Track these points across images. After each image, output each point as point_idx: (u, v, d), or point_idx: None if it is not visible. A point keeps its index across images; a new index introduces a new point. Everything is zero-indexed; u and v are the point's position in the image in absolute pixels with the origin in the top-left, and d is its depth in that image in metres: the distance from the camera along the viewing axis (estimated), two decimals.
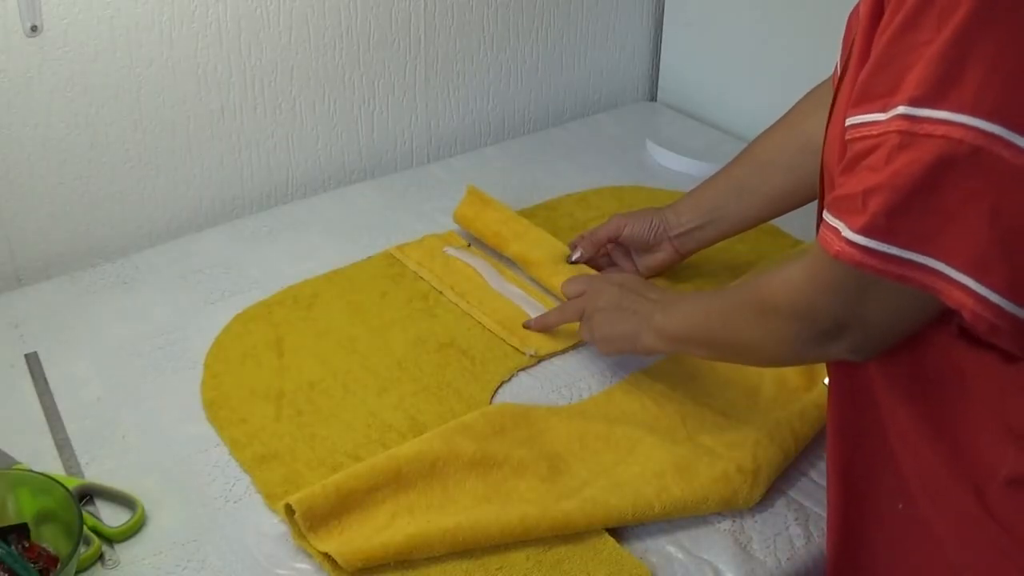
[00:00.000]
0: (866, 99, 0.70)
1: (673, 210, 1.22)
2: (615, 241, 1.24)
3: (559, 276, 1.21)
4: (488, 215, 1.31)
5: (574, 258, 1.24)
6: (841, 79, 0.81)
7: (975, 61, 0.63)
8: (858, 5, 0.84)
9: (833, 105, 0.81)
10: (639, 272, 1.25)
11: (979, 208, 0.65)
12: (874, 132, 0.68)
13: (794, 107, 1.13)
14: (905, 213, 0.67)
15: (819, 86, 1.11)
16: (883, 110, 0.68)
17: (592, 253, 1.24)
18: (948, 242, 0.66)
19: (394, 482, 0.92)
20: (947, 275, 0.67)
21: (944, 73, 0.64)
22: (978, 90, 0.63)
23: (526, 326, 1.15)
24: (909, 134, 0.66)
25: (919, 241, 0.67)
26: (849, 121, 0.71)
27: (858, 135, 0.70)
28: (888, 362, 0.79)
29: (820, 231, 0.73)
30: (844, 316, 0.76)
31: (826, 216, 0.73)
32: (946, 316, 0.73)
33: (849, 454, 0.86)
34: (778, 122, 1.14)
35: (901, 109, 0.66)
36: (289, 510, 0.88)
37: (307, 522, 0.87)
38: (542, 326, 1.15)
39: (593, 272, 1.23)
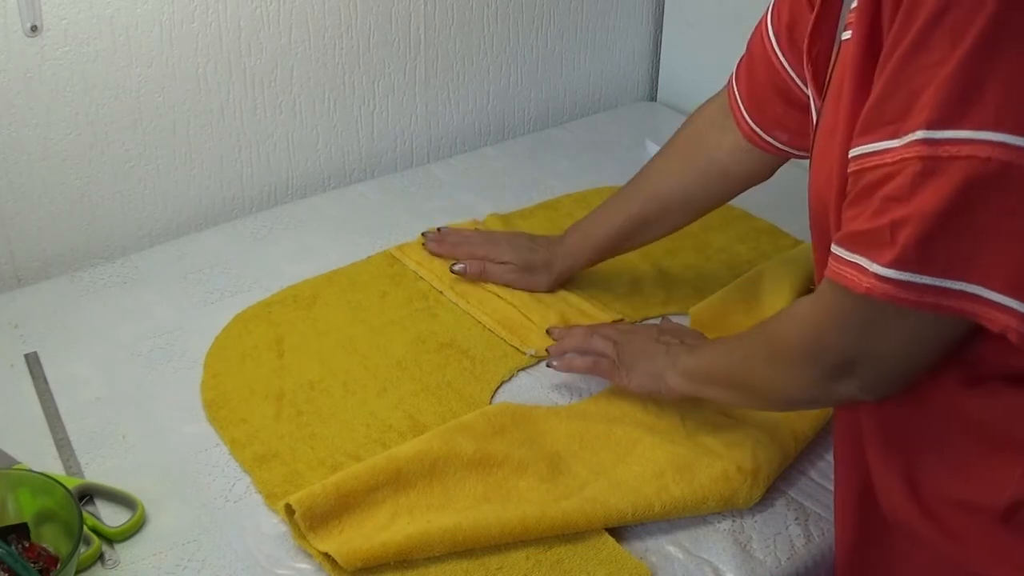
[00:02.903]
0: (873, 127, 0.67)
1: (565, 251, 1.21)
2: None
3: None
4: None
5: (457, 268, 1.23)
6: (819, 114, 0.79)
7: (995, 76, 0.61)
8: (814, 43, 0.83)
9: (815, 142, 0.80)
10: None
11: (1014, 225, 0.63)
12: (887, 160, 0.66)
13: (687, 131, 1.13)
14: (937, 241, 0.64)
15: (707, 105, 1.11)
16: (894, 136, 0.65)
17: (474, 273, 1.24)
18: (983, 264, 0.64)
19: (394, 482, 0.92)
20: (986, 298, 0.65)
21: (963, 91, 0.62)
22: (1001, 105, 0.61)
23: (549, 365, 1.08)
24: (932, 159, 0.63)
25: (954, 268, 0.65)
26: (856, 151, 0.69)
27: (868, 164, 0.67)
28: (888, 410, 0.78)
29: (833, 268, 0.71)
30: (853, 352, 0.74)
31: (840, 252, 0.70)
32: (951, 365, 0.73)
33: (855, 485, 0.86)
34: (672, 149, 1.14)
35: (920, 134, 0.63)
36: (289, 510, 0.88)
37: (307, 522, 0.87)
38: (568, 368, 1.07)
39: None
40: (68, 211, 1.29)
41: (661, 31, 1.78)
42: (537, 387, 1.10)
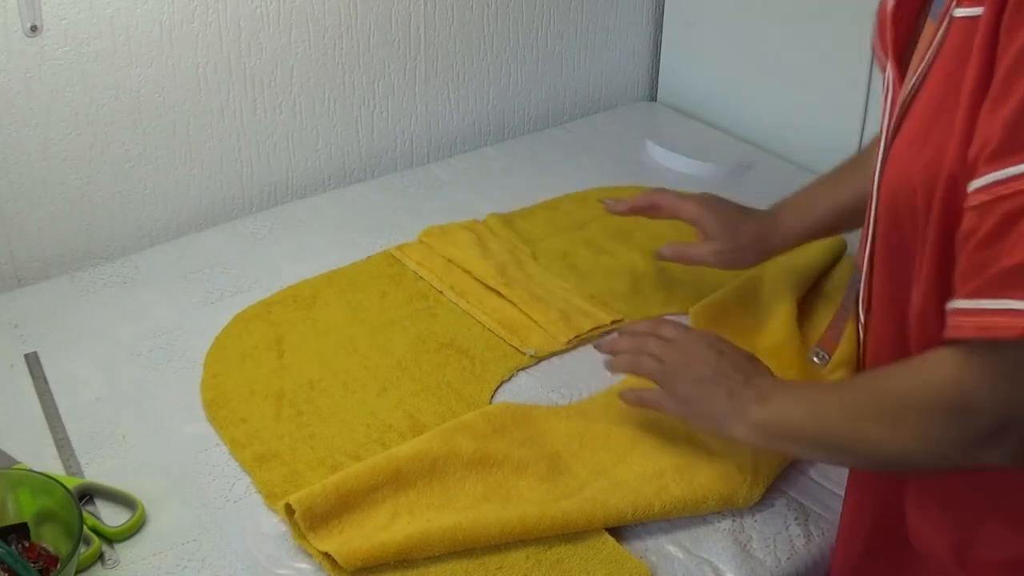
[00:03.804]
0: (1009, 153, 0.62)
1: (782, 231, 1.11)
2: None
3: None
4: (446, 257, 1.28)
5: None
6: (902, 115, 0.73)
7: None
8: (899, 15, 0.78)
9: (906, 116, 0.73)
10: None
11: None
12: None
13: None
14: None
15: None
16: None
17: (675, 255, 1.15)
18: None
19: (394, 482, 0.92)
20: None
21: None
22: None
23: (608, 365, 0.98)
24: None
25: None
26: (984, 180, 0.63)
27: (1007, 191, 0.62)
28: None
29: (971, 324, 0.64)
30: (1009, 412, 0.66)
31: (982, 304, 0.64)
32: None
33: (868, 514, 0.85)
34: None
35: None
36: (289, 510, 0.88)
37: (307, 522, 0.87)
38: (618, 370, 0.98)
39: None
40: (68, 211, 1.29)
41: (661, 31, 1.78)
42: (537, 387, 1.10)
